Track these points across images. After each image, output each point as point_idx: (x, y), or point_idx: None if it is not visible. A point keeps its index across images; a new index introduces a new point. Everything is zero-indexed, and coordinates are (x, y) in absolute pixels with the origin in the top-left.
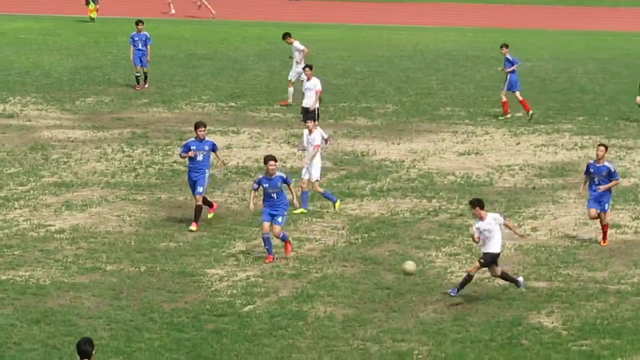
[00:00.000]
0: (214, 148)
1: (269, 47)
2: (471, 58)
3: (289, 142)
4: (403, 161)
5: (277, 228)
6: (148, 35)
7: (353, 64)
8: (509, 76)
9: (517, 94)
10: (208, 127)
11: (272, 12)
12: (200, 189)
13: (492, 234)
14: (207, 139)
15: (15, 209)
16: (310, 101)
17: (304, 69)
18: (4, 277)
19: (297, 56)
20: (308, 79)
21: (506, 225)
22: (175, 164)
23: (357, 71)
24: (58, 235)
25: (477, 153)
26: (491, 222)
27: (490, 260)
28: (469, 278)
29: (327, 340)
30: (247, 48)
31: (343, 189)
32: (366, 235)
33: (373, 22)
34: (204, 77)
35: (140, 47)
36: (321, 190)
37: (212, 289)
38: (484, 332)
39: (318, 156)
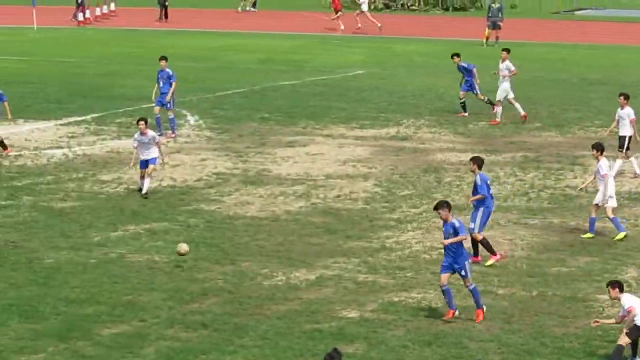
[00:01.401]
0: (476, 187)
1: None
2: None
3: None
4: None
5: (465, 281)
6: (465, 66)
7: None
8: None
9: None
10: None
11: None
12: (471, 225)
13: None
14: (482, 173)
15: (408, 231)
16: (625, 130)
17: (619, 96)
18: (396, 299)
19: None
20: (622, 108)
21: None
22: (567, 189)
23: None
24: None
25: None
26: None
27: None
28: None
29: None
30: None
31: None
32: None
33: None
34: (597, 101)
35: (465, 76)
36: (611, 216)
37: (604, 314)
38: None
39: (608, 183)
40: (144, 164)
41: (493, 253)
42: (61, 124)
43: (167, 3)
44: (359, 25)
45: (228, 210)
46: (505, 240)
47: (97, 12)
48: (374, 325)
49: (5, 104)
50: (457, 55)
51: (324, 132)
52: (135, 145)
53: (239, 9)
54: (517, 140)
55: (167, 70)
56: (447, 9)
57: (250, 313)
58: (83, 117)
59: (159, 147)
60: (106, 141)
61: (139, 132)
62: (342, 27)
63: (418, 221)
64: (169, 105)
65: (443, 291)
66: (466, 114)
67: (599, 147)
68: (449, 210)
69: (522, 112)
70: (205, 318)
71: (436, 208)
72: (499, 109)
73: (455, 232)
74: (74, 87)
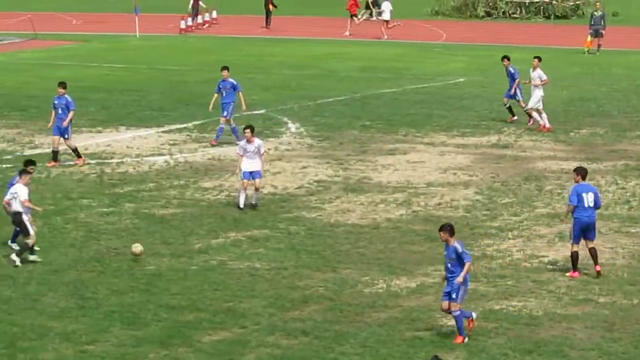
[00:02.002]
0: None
1: None
2: None
3: None
4: None
5: (448, 304)
6: (512, 71)
7: None
8: None
9: None
10: None
11: None
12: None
13: None
14: (579, 184)
15: (509, 239)
16: None
17: None
18: (497, 307)
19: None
20: None
21: None
22: None
23: None
24: (551, 266)
25: None
26: None
27: None
28: None
29: None
30: None
31: None
32: None
33: None
34: None
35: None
36: None
37: None
38: None
39: None
40: (248, 175)
41: (574, 269)
42: (163, 131)
43: (271, 10)
44: (385, 35)
45: (329, 217)
46: (606, 249)
47: (199, 19)
48: (474, 333)
49: (71, 112)
50: (507, 58)
51: (425, 140)
52: (241, 153)
53: (360, 17)
54: (619, 148)
55: (230, 80)
56: (548, 17)
57: (350, 320)
58: (185, 125)
59: (262, 157)
60: (207, 148)
61: (245, 140)
62: (348, 33)
63: (519, 229)
64: (226, 114)
65: (455, 317)
66: (515, 118)
67: None
68: (451, 235)
69: (544, 123)
70: (306, 325)
71: (440, 230)
72: (542, 115)
73: (458, 257)
74: (175, 94)
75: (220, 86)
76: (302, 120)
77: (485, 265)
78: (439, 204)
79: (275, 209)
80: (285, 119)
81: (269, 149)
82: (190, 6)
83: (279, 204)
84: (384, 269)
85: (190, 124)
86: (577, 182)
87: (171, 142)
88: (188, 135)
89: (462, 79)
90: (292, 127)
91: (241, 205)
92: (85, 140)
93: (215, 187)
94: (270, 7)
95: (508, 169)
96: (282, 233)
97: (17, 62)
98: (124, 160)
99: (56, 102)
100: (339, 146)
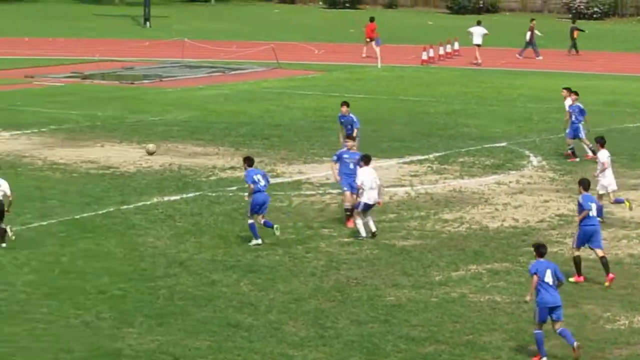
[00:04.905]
0: None
1: None
2: None
3: None
4: None
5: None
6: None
7: None
8: None
9: None
10: None
11: None
12: None
13: None
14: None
15: None
16: None
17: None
18: None
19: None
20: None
21: None
22: None
23: None
24: None
25: None
26: None
27: None
28: None
29: None
30: None
31: None
32: None
33: None
34: None
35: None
36: None
37: None
38: None
39: None
40: None
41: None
42: (404, 162)
43: (575, 36)
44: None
45: (570, 252)
46: None
47: (441, 51)
48: None
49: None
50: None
51: None
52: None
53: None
54: None
55: (351, 115)
56: None
57: (592, 356)
58: (426, 156)
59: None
60: (449, 180)
61: None
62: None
63: None
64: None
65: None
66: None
67: None
68: None
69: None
70: None
71: None
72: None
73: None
74: (416, 125)
75: (342, 121)
76: (544, 154)
77: None
78: None
79: (516, 243)
80: (527, 152)
81: (510, 182)
82: (527, 39)
83: (520, 237)
84: (626, 305)
85: (431, 156)
86: None
87: (412, 173)
88: (429, 166)
89: None
90: (534, 160)
91: None
92: (326, 170)
93: (456, 219)
94: (576, 33)
95: None
96: (523, 267)
97: (261, 90)
98: None
99: None
100: None
